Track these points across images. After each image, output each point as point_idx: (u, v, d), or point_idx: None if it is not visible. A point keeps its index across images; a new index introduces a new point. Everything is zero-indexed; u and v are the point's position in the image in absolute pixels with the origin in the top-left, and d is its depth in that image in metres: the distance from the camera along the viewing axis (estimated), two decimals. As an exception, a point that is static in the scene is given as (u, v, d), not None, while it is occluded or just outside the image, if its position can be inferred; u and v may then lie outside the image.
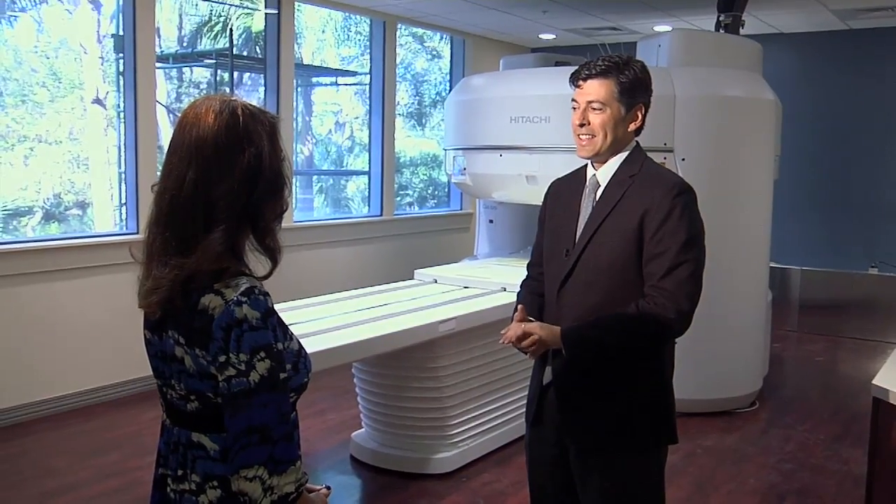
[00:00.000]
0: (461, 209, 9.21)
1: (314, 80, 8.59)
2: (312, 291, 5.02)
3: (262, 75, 6.99)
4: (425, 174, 9.53)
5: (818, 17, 7.45)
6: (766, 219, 5.70)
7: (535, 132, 5.37)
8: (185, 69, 7.27)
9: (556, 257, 2.36)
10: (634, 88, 2.27)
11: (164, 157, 1.61)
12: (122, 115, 5.83)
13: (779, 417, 5.51)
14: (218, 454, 1.56)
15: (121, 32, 5.82)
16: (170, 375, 1.61)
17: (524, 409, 2.55)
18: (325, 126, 8.77)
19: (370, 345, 3.78)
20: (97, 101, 6.09)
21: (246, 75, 7.50)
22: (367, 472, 4.47)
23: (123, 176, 5.88)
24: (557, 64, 6.34)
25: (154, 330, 1.64)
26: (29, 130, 5.70)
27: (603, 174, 2.33)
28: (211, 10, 7.27)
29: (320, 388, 5.59)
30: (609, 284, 2.22)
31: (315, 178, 8.53)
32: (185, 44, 7.27)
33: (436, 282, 5.18)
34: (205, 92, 7.11)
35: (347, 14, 7.91)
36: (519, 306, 2.33)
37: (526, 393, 2.55)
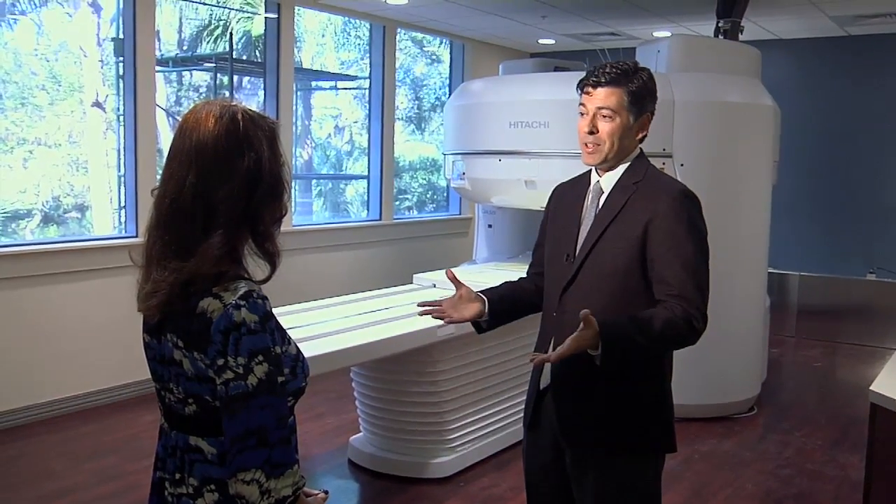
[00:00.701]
0: (460, 214, 9.21)
1: (314, 84, 8.60)
2: (311, 295, 5.02)
3: (261, 79, 7.00)
4: (424, 179, 9.53)
5: (817, 23, 7.47)
6: (765, 224, 5.71)
7: (534, 137, 5.37)
8: (184, 73, 7.28)
9: (557, 262, 2.36)
10: (643, 97, 2.27)
11: (163, 160, 1.62)
12: (121, 118, 5.83)
13: (777, 423, 5.51)
14: (216, 458, 1.57)
15: (121, 36, 5.83)
16: (168, 379, 1.62)
17: (522, 414, 2.55)
18: (325, 130, 8.78)
19: (369, 349, 3.78)
20: (97, 104, 6.09)
21: (246, 79, 7.51)
22: (365, 476, 4.46)
23: (122, 179, 5.88)
24: (557, 69, 6.35)
25: (153, 333, 1.64)
26: (28, 133, 5.70)
27: (607, 181, 2.33)
28: (211, 14, 7.28)
29: (319, 392, 5.60)
30: (612, 291, 2.22)
31: (314, 182, 8.54)
32: (184, 47, 7.28)
33: (435, 286, 5.18)
34: (204, 96, 7.12)
35: (347, 18, 7.92)
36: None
37: (524, 397, 2.55)
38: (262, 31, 7.12)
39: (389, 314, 4.31)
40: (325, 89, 8.89)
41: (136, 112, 5.70)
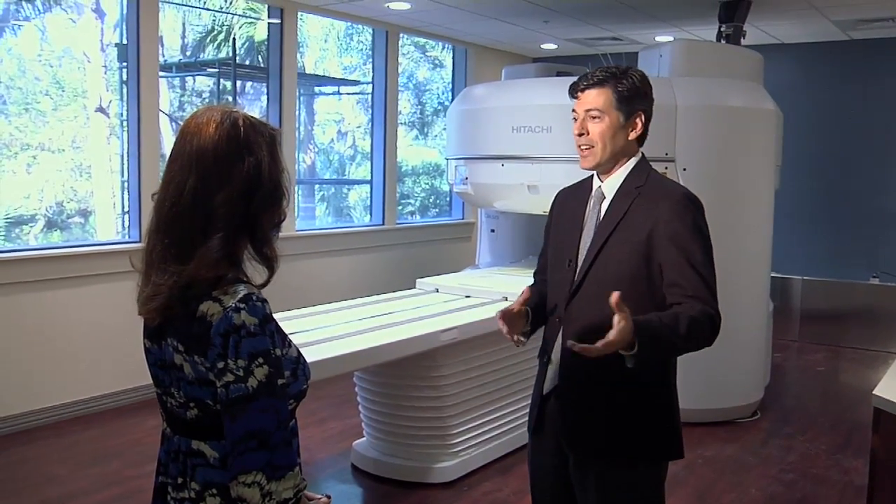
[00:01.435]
0: (463, 218, 9.22)
1: (316, 89, 8.62)
2: (314, 300, 5.02)
3: (264, 84, 7.01)
4: (427, 183, 9.54)
5: (819, 27, 7.47)
6: (768, 228, 5.71)
7: (536, 142, 5.38)
8: (187, 78, 7.30)
9: (559, 267, 2.36)
10: (633, 96, 2.27)
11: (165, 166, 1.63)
12: (124, 123, 5.84)
13: (780, 427, 5.51)
14: (218, 462, 1.57)
15: (124, 41, 5.85)
16: (169, 383, 1.62)
17: (526, 418, 2.55)
18: (328, 135, 8.80)
19: (372, 354, 3.78)
20: (100, 109, 6.11)
21: (248, 84, 7.53)
22: (368, 481, 4.46)
23: (126, 184, 5.89)
24: (559, 74, 6.36)
25: (153, 338, 1.65)
26: (32, 139, 5.72)
27: (608, 186, 2.33)
28: (214, 20, 7.30)
29: (322, 397, 5.60)
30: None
31: (317, 186, 8.55)
32: (188, 53, 7.30)
33: (437, 291, 5.19)
34: (207, 101, 7.13)
35: (350, 23, 7.93)
36: (525, 289, 2.30)
37: (527, 402, 2.54)
38: (264, 37, 7.14)
39: (392, 319, 4.31)
40: (327, 94, 8.91)
41: (139, 117, 5.72)
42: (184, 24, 7.21)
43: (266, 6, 6.88)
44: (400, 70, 8.29)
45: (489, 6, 6.95)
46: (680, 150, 5.23)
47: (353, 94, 8.71)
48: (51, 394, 5.27)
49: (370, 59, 8.17)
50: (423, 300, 4.95)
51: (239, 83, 7.25)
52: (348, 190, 8.76)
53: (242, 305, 1.51)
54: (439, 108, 9.45)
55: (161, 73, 6.09)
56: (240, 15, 7.39)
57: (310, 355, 3.40)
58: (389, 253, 8.00)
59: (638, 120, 2.29)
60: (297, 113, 7.17)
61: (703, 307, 2.12)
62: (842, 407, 6.01)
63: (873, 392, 2.83)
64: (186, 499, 1.61)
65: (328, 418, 5.43)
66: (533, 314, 2.38)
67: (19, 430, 5.08)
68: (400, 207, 8.59)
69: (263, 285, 1.62)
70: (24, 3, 5.68)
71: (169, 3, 6.63)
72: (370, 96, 8.14)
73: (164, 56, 6.59)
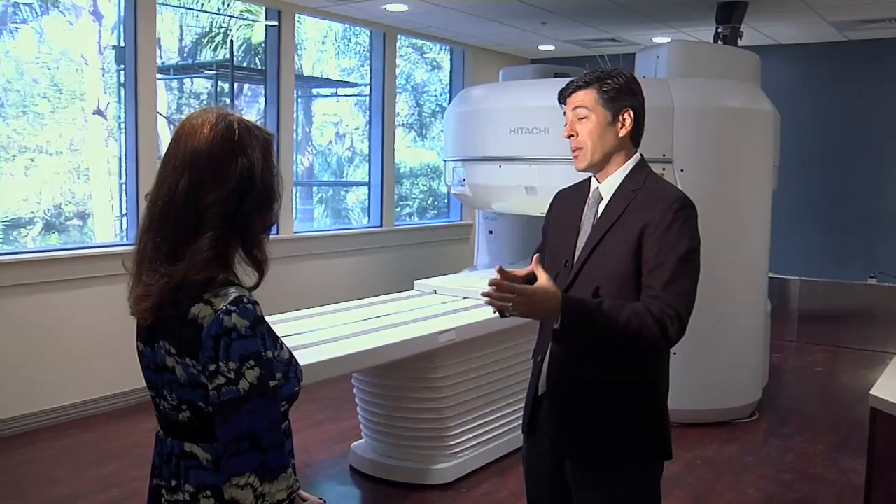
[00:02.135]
0: (461, 220, 9.22)
1: (314, 91, 8.63)
2: (312, 302, 5.03)
3: (262, 86, 7.02)
4: (425, 185, 9.55)
5: (816, 28, 7.49)
6: (765, 229, 5.71)
7: (534, 143, 5.39)
8: (185, 80, 7.30)
9: (556, 268, 2.37)
10: (618, 94, 2.28)
11: None
12: (122, 125, 5.85)
13: (778, 428, 5.51)
14: (211, 464, 1.58)
15: (122, 43, 5.85)
16: (162, 386, 1.63)
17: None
18: (326, 137, 8.80)
19: (370, 355, 3.78)
20: (98, 111, 6.11)
21: (246, 86, 7.53)
22: (366, 482, 4.47)
23: (124, 186, 5.90)
24: (557, 75, 6.36)
25: (146, 341, 1.65)
26: (30, 141, 5.72)
27: (606, 187, 2.34)
28: (211, 22, 7.31)
29: (320, 399, 5.60)
30: (609, 297, 2.22)
31: (315, 188, 8.55)
32: (185, 55, 7.30)
33: (435, 292, 5.19)
34: (205, 103, 7.14)
35: (347, 25, 7.94)
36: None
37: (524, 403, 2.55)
38: (262, 39, 7.14)
39: (390, 320, 4.32)
40: (325, 96, 8.92)
41: (137, 119, 5.72)
42: (181, 27, 7.21)
43: (263, 8, 6.89)
44: (398, 72, 8.29)
45: (487, 8, 6.95)
46: (677, 152, 5.23)
47: (350, 95, 8.72)
48: (50, 396, 5.27)
49: (368, 61, 8.18)
50: (421, 302, 4.95)
51: (237, 85, 7.26)
52: (346, 192, 8.77)
53: (233, 308, 1.52)
54: (437, 109, 9.46)
55: (159, 76, 6.09)
56: (237, 17, 7.40)
57: (308, 357, 3.43)
58: (387, 254, 8.01)
59: (626, 116, 2.29)
60: (294, 115, 7.18)
61: (661, 308, 2.13)
62: (840, 407, 6.02)
63: (870, 392, 2.84)
64: (180, 501, 1.61)
65: (326, 420, 5.43)
66: None
67: (19, 433, 5.08)
68: (398, 209, 8.60)
69: (254, 287, 1.62)
70: (21, 5, 5.68)
71: (166, 5, 6.63)
72: (368, 98, 8.15)
73: (161, 58, 6.60)
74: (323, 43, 8.40)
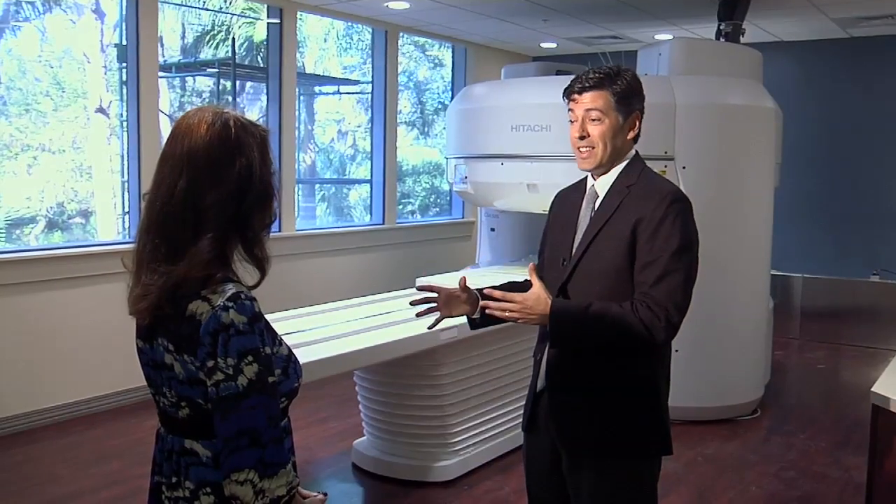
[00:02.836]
0: (463, 217, 9.23)
1: (316, 89, 8.62)
2: (314, 300, 5.03)
3: (264, 84, 7.02)
4: (427, 182, 9.55)
5: (818, 25, 7.48)
6: (768, 226, 5.71)
7: (536, 141, 5.38)
8: (187, 78, 7.30)
9: (555, 266, 2.38)
10: (629, 97, 2.29)
11: None
12: (125, 123, 5.86)
13: (780, 425, 5.51)
14: (210, 460, 1.58)
15: (124, 42, 5.85)
16: (161, 383, 1.63)
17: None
18: (328, 135, 8.80)
19: (372, 353, 3.79)
20: (100, 110, 6.11)
21: (248, 84, 7.53)
22: (368, 480, 4.47)
23: (126, 185, 5.91)
24: (559, 73, 6.37)
25: (145, 338, 1.66)
26: (32, 139, 5.72)
27: (601, 185, 2.35)
28: (213, 20, 7.30)
29: (322, 397, 5.61)
30: (603, 293, 2.23)
31: (318, 186, 8.55)
32: (187, 53, 7.30)
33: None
34: (207, 101, 7.14)
35: (349, 23, 7.94)
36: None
37: (527, 401, 2.56)
38: (264, 37, 7.14)
39: (393, 318, 4.32)
40: (327, 94, 8.91)
41: (139, 117, 5.73)
42: (183, 25, 7.21)
43: (265, 6, 6.89)
44: (400, 69, 8.29)
45: (489, 5, 6.95)
46: (679, 149, 5.23)
47: (353, 93, 8.72)
48: (52, 394, 5.28)
49: (370, 59, 8.18)
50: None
51: (238, 83, 7.26)
52: (349, 189, 8.77)
53: (231, 304, 1.52)
54: (439, 107, 9.45)
55: (161, 74, 6.10)
56: (239, 15, 7.40)
57: (310, 354, 3.43)
58: (390, 252, 8.01)
59: (636, 120, 2.32)
60: (297, 113, 7.18)
61: (650, 308, 2.14)
62: (842, 404, 6.02)
63: (872, 389, 2.84)
64: (181, 498, 1.61)
65: (329, 417, 5.44)
66: (487, 297, 2.26)
67: (22, 430, 5.09)
68: (400, 207, 8.60)
69: (255, 286, 1.63)
70: (23, 4, 5.68)
71: (168, 3, 6.63)
72: (370, 96, 8.15)
73: (163, 56, 6.60)
74: (325, 40, 8.40)
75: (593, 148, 2.29)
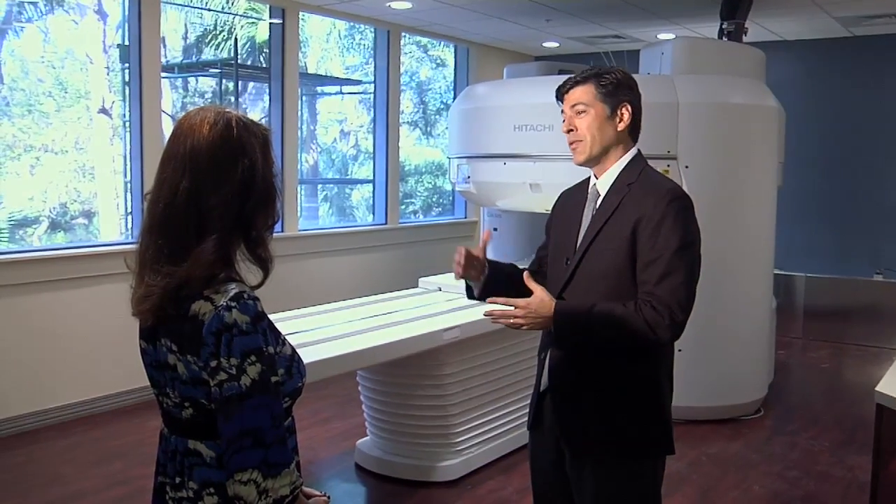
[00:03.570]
0: (465, 217, 9.22)
1: (319, 89, 8.62)
2: (317, 300, 5.03)
3: (266, 84, 7.02)
4: (430, 182, 9.55)
5: (821, 24, 7.47)
6: (771, 225, 5.70)
7: (538, 140, 5.38)
8: (190, 79, 7.30)
9: (558, 265, 2.38)
10: (616, 89, 2.30)
11: None
12: (127, 124, 5.86)
13: (784, 424, 5.51)
14: (214, 461, 1.58)
15: (126, 42, 5.86)
16: (164, 384, 1.63)
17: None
18: (330, 135, 8.80)
19: (375, 353, 3.79)
20: (103, 110, 6.12)
21: (251, 85, 7.53)
22: (371, 480, 4.47)
23: (129, 185, 5.91)
24: (561, 72, 6.35)
25: (148, 339, 1.65)
26: (35, 140, 5.73)
27: (602, 183, 2.35)
28: (215, 20, 7.31)
29: (325, 397, 5.61)
30: (605, 292, 2.23)
31: (320, 186, 8.56)
32: (190, 53, 7.31)
33: (440, 290, 5.19)
34: (210, 101, 7.14)
35: (352, 23, 7.94)
36: (526, 272, 2.34)
37: (530, 400, 2.56)
38: (266, 37, 7.14)
39: (395, 318, 4.32)
40: (330, 94, 8.91)
41: (141, 118, 5.74)
42: (185, 25, 7.21)
43: (267, 6, 6.89)
44: (402, 69, 8.29)
45: (491, 5, 6.95)
46: (682, 148, 5.22)
47: (355, 93, 8.72)
48: (55, 394, 5.28)
49: (372, 59, 8.18)
50: (425, 299, 4.96)
51: (241, 83, 7.26)
52: (351, 189, 8.77)
53: (234, 304, 1.51)
54: (442, 107, 9.45)
55: (163, 74, 6.11)
56: (241, 15, 7.40)
57: (313, 354, 3.43)
58: (392, 252, 8.01)
59: (624, 111, 2.31)
60: (299, 113, 7.18)
61: (654, 308, 2.13)
62: (845, 404, 6.01)
63: (876, 388, 2.83)
64: (185, 498, 1.61)
65: (332, 417, 5.44)
66: (490, 272, 2.46)
67: (24, 431, 5.10)
68: (403, 207, 8.60)
69: (258, 286, 1.62)
70: (26, 5, 5.69)
71: (170, 3, 6.64)
72: (372, 96, 8.15)
73: (166, 57, 6.60)
74: (327, 41, 8.40)
75: (582, 140, 2.31)
